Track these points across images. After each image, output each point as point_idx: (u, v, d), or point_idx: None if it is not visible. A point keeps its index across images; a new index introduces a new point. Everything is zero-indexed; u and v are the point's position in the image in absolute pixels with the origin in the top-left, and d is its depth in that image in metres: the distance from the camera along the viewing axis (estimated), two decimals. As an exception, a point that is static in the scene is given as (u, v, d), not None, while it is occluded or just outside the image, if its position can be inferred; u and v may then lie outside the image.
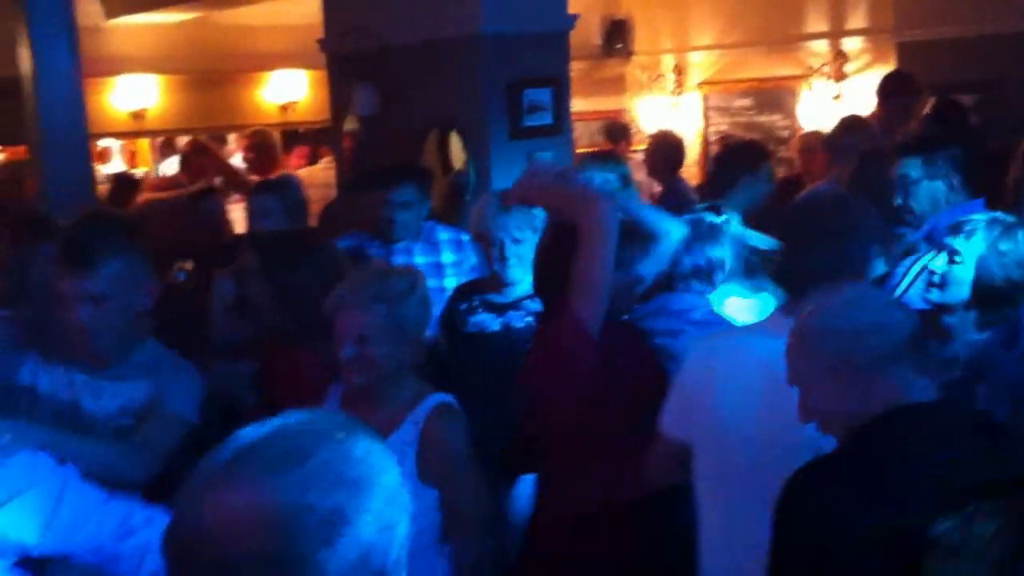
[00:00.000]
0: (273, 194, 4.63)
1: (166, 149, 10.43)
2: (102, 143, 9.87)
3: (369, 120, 6.10)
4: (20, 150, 9.16)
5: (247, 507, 1.06)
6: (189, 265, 5.74)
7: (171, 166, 9.59)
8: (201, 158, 7.18)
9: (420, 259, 4.55)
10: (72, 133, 5.32)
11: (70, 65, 5.21)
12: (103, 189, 7.60)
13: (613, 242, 2.84)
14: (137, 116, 8.99)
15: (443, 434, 2.68)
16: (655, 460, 2.75)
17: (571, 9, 5.80)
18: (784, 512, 1.96)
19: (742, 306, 3.48)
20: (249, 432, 1.13)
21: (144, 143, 10.58)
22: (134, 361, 2.83)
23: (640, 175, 6.54)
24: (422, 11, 5.69)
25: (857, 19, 9.02)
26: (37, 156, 5.47)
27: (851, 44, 9.04)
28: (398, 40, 5.78)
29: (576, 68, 6.06)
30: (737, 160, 4.87)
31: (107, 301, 2.69)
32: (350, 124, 6.39)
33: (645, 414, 2.77)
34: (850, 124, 5.53)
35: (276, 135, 7.85)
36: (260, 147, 7.79)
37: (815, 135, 6.78)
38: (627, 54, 10.24)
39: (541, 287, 3.09)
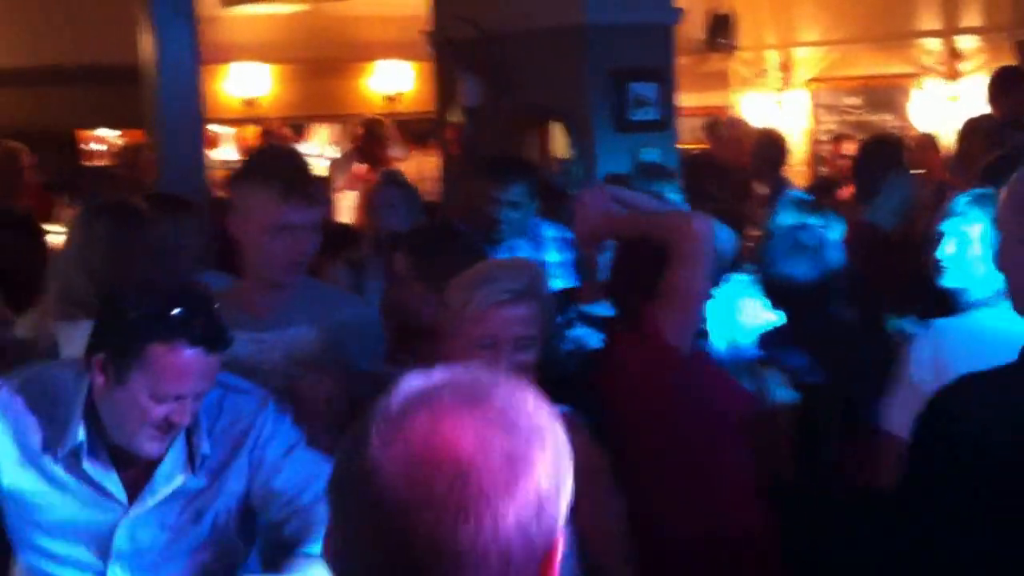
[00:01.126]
0: (400, 188, 4.67)
1: (267, 138, 10.67)
2: (213, 129, 10.14)
3: (474, 111, 6.18)
4: (137, 134, 9.49)
5: (428, 447, 1.03)
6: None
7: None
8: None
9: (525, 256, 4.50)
10: (188, 118, 5.49)
11: (189, 52, 5.38)
12: (215, 174, 7.81)
13: (712, 257, 2.76)
14: (248, 103, 9.24)
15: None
16: (881, 462, 2.60)
17: (674, 3, 5.80)
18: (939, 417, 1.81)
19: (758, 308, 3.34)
20: (419, 379, 1.09)
21: (251, 130, 10.84)
22: (296, 306, 2.77)
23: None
24: (527, 1, 5.74)
25: (972, 16, 8.81)
26: (154, 140, 5.65)
27: (966, 42, 8.83)
28: (503, 29, 5.84)
29: (678, 62, 6.06)
30: (880, 157, 4.67)
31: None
32: (455, 115, 6.47)
33: (728, 435, 2.71)
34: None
35: (387, 124, 7.98)
36: (370, 136, 7.92)
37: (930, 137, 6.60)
38: (730, 49, 10.15)
39: (621, 300, 2.94)
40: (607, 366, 2.93)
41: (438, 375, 1.09)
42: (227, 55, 8.74)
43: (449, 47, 6.22)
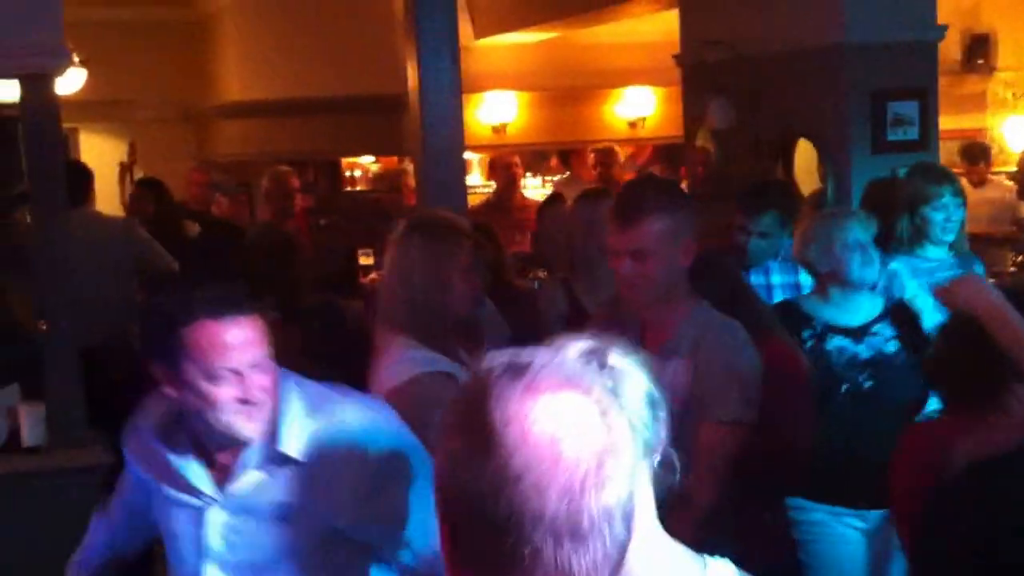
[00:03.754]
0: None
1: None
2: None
3: (723, 134, 6.19)
4: (392, 161, 9.98)
5: (542, 427, 1.09)
6: (543, 273, 6.04)
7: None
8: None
9: (777, 278, 4.41)
10: (450, 145, 5.72)
11: (451, 81, 5.62)
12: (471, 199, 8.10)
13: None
14: (498, 131, 9.55)
15: None
16: None
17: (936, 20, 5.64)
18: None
19: None
20: (530, 360, 1.14)
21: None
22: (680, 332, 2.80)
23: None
24: (782, 20, 5.71)
25: None
26: (418, 166, 5.93)
27: None
28: (756, 50, 5.83)
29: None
30: None
31: (647, 257, 2.75)
32: (702, 139, 6.50)
33: None
34: None
35: (621, 151, 8.09)
36: (605, 163, 8.07)
37: None
38: (989, 70, 9.74)
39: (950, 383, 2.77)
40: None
41: (539, 357, 1.14)
42: (478, 84, 9.07)
43: (700, 69, 6.26)
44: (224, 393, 2.08)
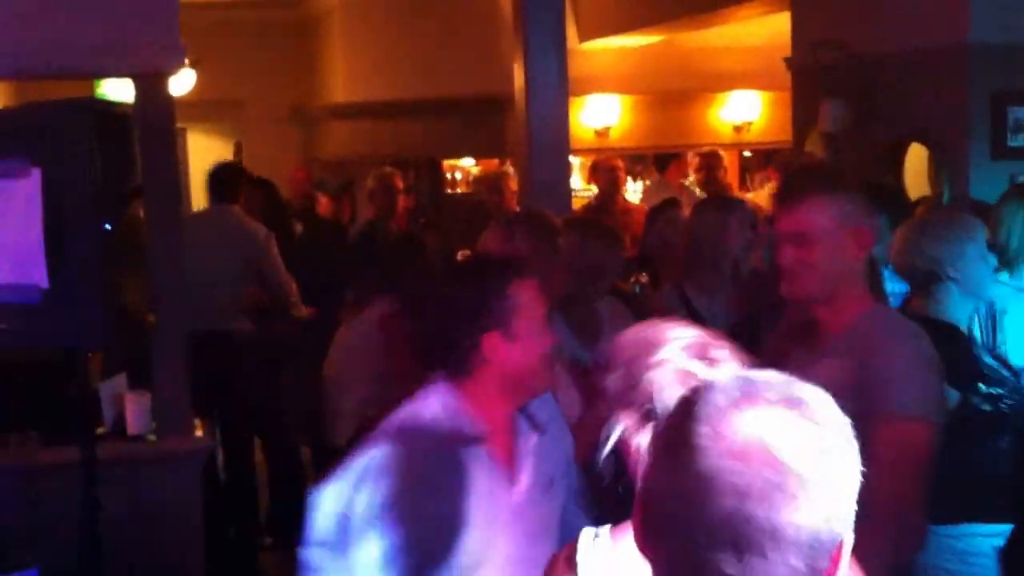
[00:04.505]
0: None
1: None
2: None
3: (834, 137, 6.04)
4: (492, 163, 9.99)
5: (752, 440, 1.14)
6: (644, 278, 5.97)
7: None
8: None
9: (888, 286, 4.37)
10: (555, 145, 5.69)
11: (558, 81, 5.59)
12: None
13: None
14: (600, 134, 9.49)
15: None
16: None
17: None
18: None
19: None
20: (739, 378, 1.21)
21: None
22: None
23: None
24: (900, 19, 5.55)
25: None
26: (522, 166, 5.90)
27: None
28: (871, 51, 5.68)
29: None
30: None
31: (809, 242, 2.65)
32: (812, 143, 6.36)
33: None
34: None
35: (726, 156, 7.97)
36: (710, 166, 7.95)
37: None
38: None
39: None
40: None
41: (755, 376, 1.21)
42: (581, 87, 9.03)
43: (813, 72, 6.13)
44: (548, 343, 2.30)
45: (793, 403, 1.16)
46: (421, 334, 2.42)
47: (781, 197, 2.72)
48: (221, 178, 6.07)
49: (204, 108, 9.19)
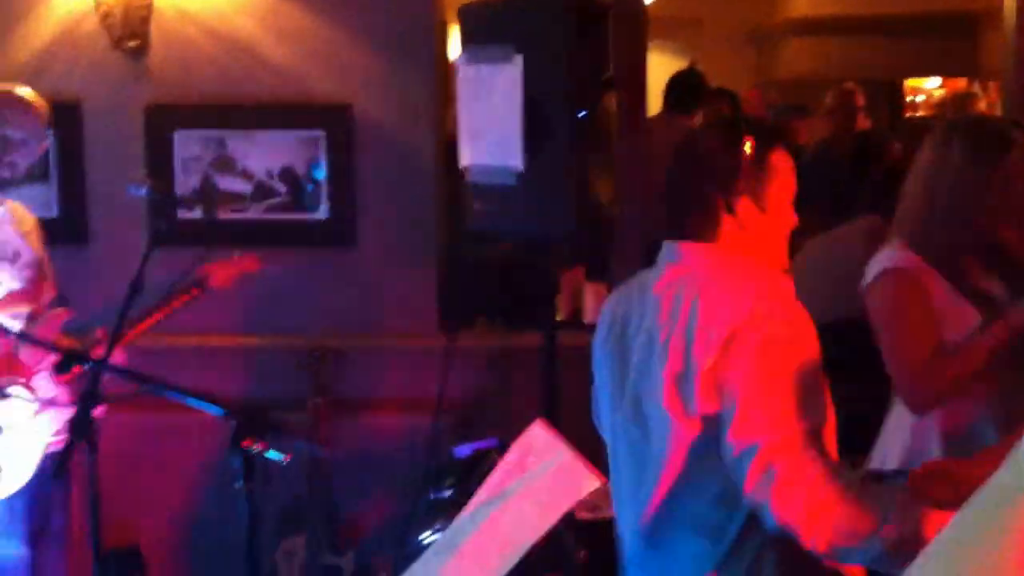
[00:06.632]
0: None
1: None
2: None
3: None
4: (959, 84, 9.32)
5: None
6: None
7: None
8: None
9: None
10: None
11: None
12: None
13: None
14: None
15: None
16: None
17: None
18: None
19: None
20: None
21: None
22: None
23: None
24: None
25: None
26: (1010, 90, 5.40)
27: None
28: None
29: None
30: None
31: None
32: None
33: None
34: None
35: None
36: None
37: None
38: None
39: None
40: None
41: None
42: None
43: None
44: (792, 221, 2.27)
45: None
46: (672, 193, 2.29)
47: None
48: (681, 86, 5.99)
49: (661, 25, 9.23)
